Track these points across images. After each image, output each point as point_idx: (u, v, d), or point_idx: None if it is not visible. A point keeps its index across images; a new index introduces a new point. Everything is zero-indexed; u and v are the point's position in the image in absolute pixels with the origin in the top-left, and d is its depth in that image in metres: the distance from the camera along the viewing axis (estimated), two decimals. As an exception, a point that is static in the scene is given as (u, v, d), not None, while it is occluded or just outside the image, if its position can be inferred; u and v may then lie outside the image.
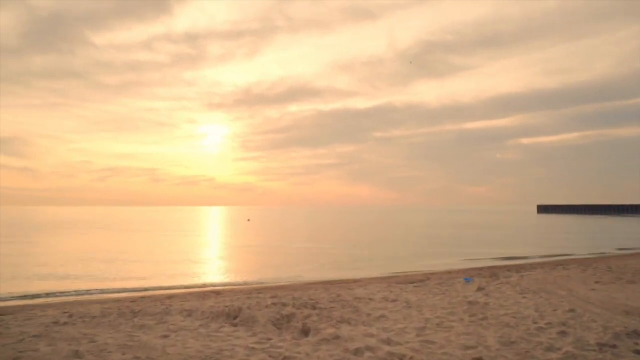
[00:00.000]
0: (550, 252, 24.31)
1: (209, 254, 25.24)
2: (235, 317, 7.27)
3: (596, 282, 11.05)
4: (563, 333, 6.23)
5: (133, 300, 11.90)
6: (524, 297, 9.03)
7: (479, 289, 10.03)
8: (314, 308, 7.98)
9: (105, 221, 72.14)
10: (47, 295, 13.13)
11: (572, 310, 7.64)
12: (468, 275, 15.98)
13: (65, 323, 7.25)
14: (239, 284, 15.20)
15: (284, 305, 8.22)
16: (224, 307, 8.11)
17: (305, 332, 6.44)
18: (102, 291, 13.58)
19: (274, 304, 8.34)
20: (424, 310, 7.89)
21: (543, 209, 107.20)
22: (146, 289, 14.10)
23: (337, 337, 6.00)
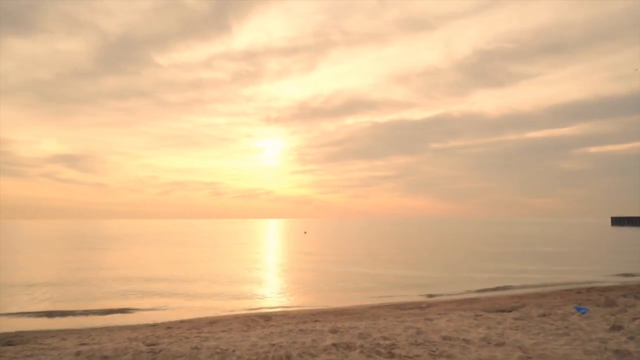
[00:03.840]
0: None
1: (263, 270, 23.56)
2: (281, 369, 5.20)
3: None
4: None
5: (169, 326, 10.23)
6: (695, 344, 6.25)
7: (615, 327, 7.30)
8: (390, 355, 5.73)
9: (169, 234, 73.58)
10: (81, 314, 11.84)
11: None
12: (572, 299, 12.97)
13: (61, 368, 5.52)
14: (292, 307, 13.19)
15: (349, 348, 6.05)
16: (270, 348, 6.08)
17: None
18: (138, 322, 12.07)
19: (334, 345, 6.19)
20: (554, 364, 5.40)
21: (617, 221, 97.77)
22: (186, 315, 12.47)
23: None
